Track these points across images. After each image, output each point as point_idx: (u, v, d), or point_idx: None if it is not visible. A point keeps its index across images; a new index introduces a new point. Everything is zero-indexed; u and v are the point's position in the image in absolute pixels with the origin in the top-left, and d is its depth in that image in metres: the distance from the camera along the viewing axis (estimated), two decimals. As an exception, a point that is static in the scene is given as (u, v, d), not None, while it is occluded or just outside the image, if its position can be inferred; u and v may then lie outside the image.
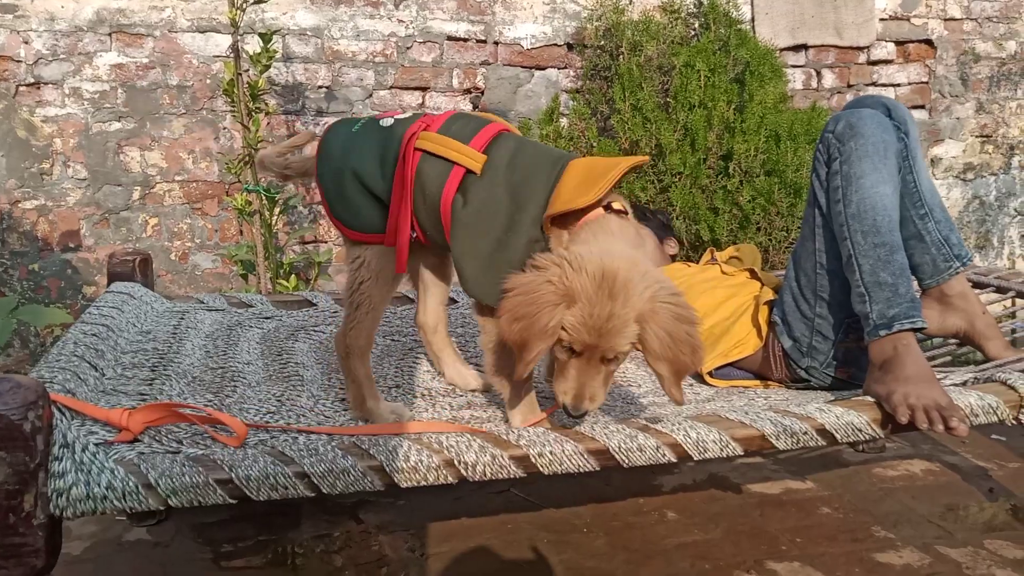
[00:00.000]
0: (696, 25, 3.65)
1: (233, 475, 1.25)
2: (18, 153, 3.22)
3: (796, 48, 4.02)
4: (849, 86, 4.14)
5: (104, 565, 2.01)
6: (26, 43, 3.19)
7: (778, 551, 2.11)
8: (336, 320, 2.28)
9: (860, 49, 4.12)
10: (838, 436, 1.58)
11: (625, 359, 1.55)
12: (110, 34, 3.26)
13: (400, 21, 3.56)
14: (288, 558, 2.07)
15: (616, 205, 1.56)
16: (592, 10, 3.64)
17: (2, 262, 3.24)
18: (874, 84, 4.16)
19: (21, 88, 3.22)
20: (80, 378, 1.49)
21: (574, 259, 1.44)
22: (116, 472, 1.22)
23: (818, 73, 4.10)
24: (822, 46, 4.06)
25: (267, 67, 3.03)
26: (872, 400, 1.65)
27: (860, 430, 1.58)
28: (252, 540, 2.16)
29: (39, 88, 3.23)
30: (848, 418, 1.58)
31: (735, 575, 1.99)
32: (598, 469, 1.45)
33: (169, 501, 1.22)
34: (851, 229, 1.79)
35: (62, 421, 1.23)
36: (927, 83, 4.23)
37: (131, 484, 1.21)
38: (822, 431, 1.57)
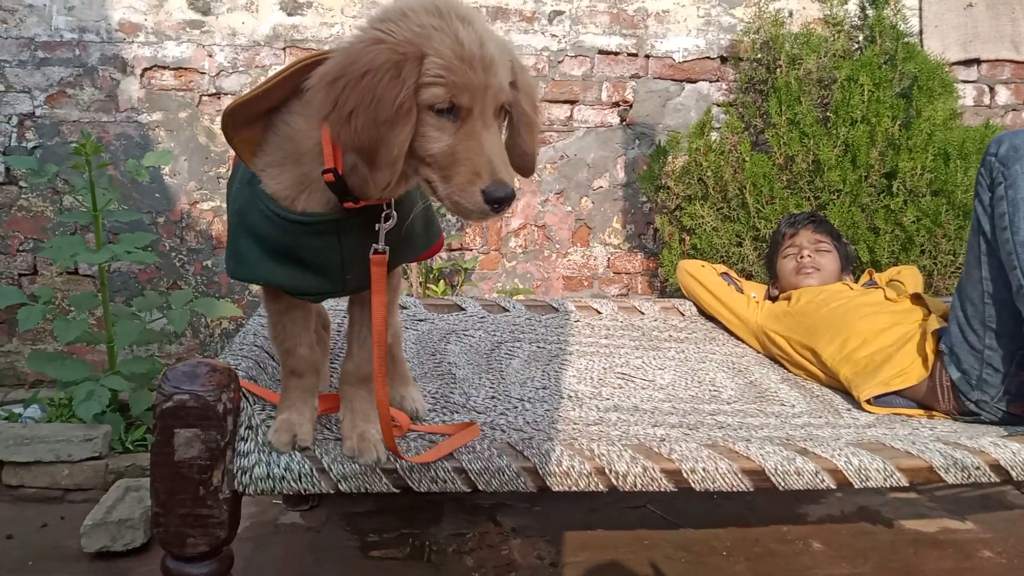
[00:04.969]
0: (860, 38, 3.50)
1: (398, 465, 1.31)
2: (199, 158, 3.49)
3: (967, 63, 3.80)
4: (1025, 103, 3.88)
5: (262, 544, 2.15)
6: (210, 56, 3.46)
7: (935, 593, 2.00)
8: (484, 325, 2.34)
9: (1040, 64, 3.85)
10: (1014, 474, 1.48)
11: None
12: (284, 48, 3.49)
13: (553, 36, 3.61)
14: (425, 554, 2.14)
15: None
16: (749, 23, 3.57)
17: (180, 258, 3.52)
18: (1054, 102, 3.88)
19: (204, 98, 3.50)
20: (260, 367, 1.61)
21: (385, 14, 1.08)
22: (293, 455, 1.31)
23: (991, 89, 3.85)
24: (996, 61, 3.82)
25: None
26: (1054, 438, 1.54)
27: (1040, 469, 1.48)
28: (395, 532, 2.24)
29: (220, 98, 3.49)
30: (1027, 456, 1.48)
31: (887, 613, 1.91)
32: (751, 490, 1.42)
33: (339, 486, 1.29)
34: (1020, 258, 1.68)
35: (248, 405, 1.33)
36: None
37: (307, 467, 1.30)
38: (996, 467, 1.48)
